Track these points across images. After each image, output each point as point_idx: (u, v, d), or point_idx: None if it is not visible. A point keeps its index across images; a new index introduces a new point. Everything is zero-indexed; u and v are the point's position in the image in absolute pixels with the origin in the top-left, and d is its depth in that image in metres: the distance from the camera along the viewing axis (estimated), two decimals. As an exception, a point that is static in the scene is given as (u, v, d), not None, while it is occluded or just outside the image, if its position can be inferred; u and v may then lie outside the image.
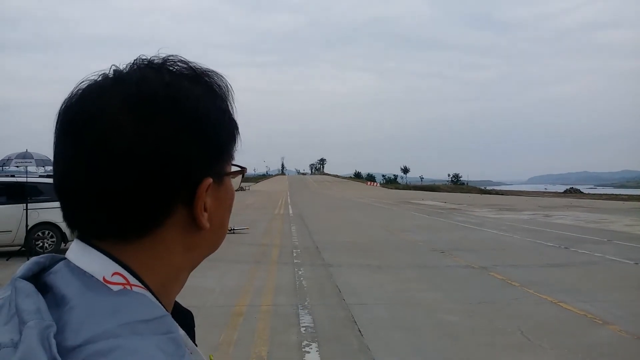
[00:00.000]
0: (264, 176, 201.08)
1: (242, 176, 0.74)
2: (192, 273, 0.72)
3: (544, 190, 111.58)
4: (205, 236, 0.67)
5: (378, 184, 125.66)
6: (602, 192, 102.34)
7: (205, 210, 0.65)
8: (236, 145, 0.70)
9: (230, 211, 0.72)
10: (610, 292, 8.53)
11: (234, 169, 0.71)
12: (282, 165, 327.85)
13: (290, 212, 29.72)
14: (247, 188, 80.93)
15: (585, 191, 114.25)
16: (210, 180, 0.64)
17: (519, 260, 11.87)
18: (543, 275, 10.02)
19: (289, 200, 45.34)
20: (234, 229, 16.93)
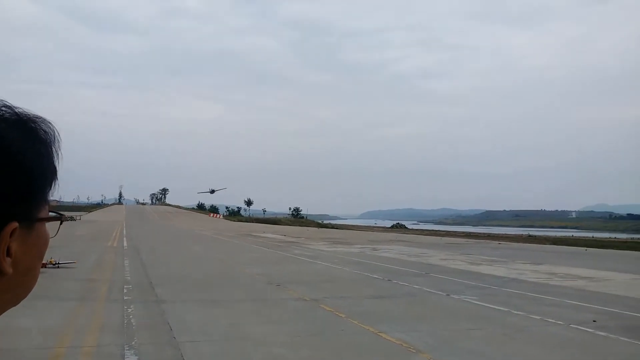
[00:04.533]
0: (99, 205, 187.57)
1: (60, 223, 0.73)
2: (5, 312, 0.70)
3: (374, 225, 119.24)
4: (8, 282, 0.64)
5: (221, 216, 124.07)
6: (423, 228, 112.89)
7: (9, 255, 0.63)
8: (52, 190, 0.69)
9: (42, 258, 0.71)
10: (425, 322, 9.45)
11: (51, 214, 0.69)
12: (120, 194, 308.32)
13: (125, 244, 28.11)
14: (78, 218, 74.72)
15: (410, 226, 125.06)
16: (16, 224, 0.63)
17: (347, 292, 12.64)
18: (367, 306, 10.80)
19: (124, 232, 42.79)
20: (58, 263, 15.59)
